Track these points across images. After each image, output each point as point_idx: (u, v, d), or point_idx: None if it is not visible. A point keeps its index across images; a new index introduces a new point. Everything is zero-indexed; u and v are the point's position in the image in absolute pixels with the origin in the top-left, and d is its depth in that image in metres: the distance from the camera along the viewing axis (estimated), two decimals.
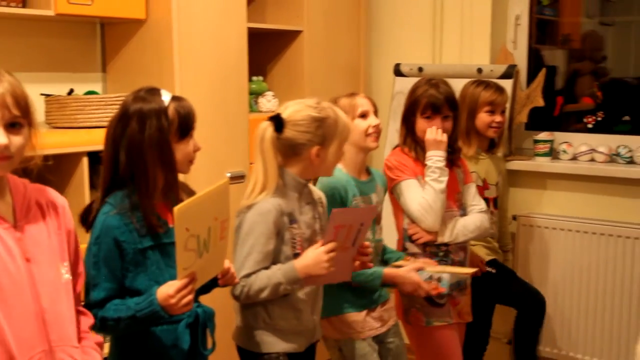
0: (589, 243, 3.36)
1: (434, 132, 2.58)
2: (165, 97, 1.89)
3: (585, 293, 3.39)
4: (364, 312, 2.51)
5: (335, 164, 2.24)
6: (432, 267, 2.49)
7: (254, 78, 3.34)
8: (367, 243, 2.27)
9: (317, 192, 2.31)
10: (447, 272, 2.47)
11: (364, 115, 2.47)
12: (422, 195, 2.58)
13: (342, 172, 2.46)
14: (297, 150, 2.15)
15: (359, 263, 2.26)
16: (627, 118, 3.61)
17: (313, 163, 2.16)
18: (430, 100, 2.61)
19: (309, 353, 2.32)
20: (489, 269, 3.06)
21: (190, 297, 1.76)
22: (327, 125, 2.15)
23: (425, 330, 2.66)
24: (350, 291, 2.47)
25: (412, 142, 2.67)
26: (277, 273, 2.09)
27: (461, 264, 2.67)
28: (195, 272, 1.75)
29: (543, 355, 3.51)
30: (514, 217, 3.53)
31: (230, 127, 3.06)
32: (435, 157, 2.58)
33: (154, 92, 1.90)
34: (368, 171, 2.59)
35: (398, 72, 3.69)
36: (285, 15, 3.45)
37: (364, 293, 2.50)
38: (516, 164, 3.55)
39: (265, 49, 3.51)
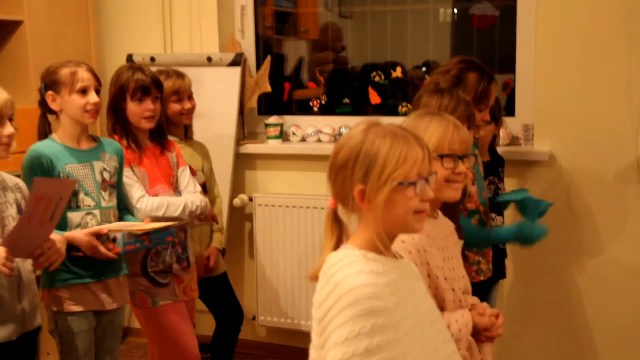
0: (319, 218, 3.58)
1: None
2: None
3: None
4: (88, 285, 2.48)
5: None
6: (109, 226, 2.42)
7: None
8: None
9: (13, 179, 2.28)
10: (125, 230, 2.39)
11: (84, 91, 2.46)
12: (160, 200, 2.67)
13: (53, 142, 2.47)
14: None
15: None
16: (347, 101, 3.90)
17: None
18: (139, 84, 2.68)
19: (28, 342, 2.26)
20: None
21: None
22: None
23: (152, 311, 2.70)
24: (73, 261, 2.42)
25: (122, 129, 2.71)
26: None
27: (182, 244, 2.75)
28: None
29: (286, 328, 3.71)
30: (251, 199, 3.69)
31: None
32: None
33: None
34: (96, 140, 2.58)
35: (131, 62, 3.70)
36: (4, 6, 3.34)
37: (88, 264, 2.45)
38: (250, 148, 3.72)
39: None
